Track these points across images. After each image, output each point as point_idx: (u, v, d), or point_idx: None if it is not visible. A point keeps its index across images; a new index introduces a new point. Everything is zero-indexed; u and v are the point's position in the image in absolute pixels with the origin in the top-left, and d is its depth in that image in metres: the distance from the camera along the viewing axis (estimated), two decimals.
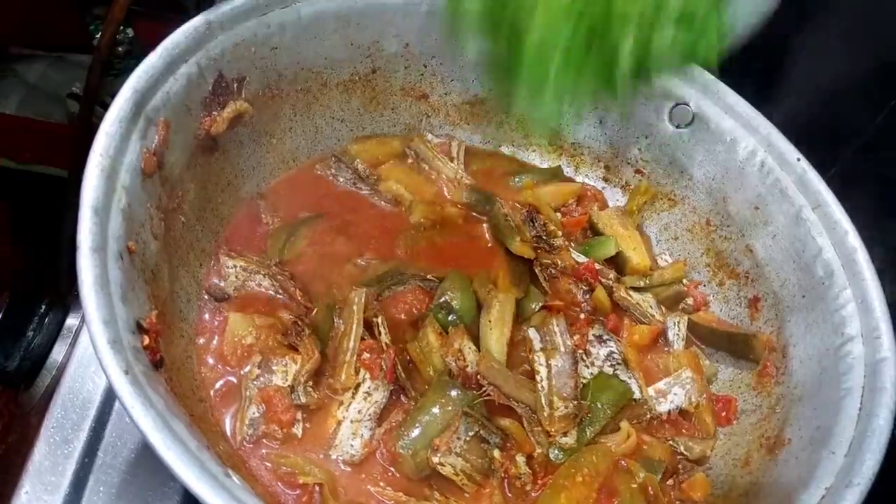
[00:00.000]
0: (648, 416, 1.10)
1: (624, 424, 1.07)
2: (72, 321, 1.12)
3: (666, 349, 1.21)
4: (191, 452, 0.72)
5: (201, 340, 1.04)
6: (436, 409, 1.00)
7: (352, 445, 0.98)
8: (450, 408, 1.00)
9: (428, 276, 1.16)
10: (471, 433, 0.99)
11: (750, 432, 1.09)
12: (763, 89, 1.31)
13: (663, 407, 1.11)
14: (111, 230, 0.84)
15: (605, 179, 1.41)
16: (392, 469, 0.98)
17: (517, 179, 1.37)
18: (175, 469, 0.70)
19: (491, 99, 1.38)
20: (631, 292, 1.23)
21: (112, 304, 0.78)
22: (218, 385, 1.00)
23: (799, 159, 1.16)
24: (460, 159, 1.37)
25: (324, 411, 1.01)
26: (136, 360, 0.77)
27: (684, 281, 1.29)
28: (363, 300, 1.06)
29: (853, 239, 1.07)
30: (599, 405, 1.06)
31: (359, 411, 1.00)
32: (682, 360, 1.17)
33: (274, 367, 1.01)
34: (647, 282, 1.26)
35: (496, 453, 1.00)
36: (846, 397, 0.95)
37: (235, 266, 1.11)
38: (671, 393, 1.12)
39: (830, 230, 1.10)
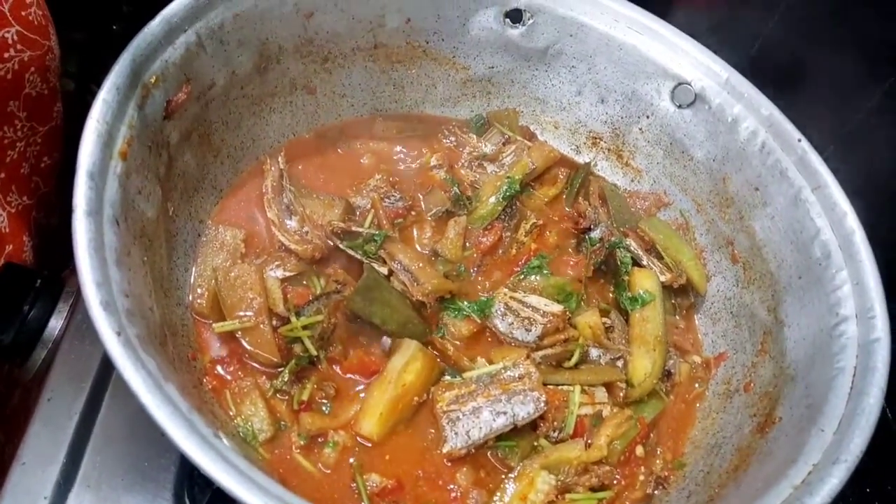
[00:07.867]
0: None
1: None
2: (67, 295, 1.12)
3: None
4: (181, 413, 0.73)
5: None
6: None
7: None
8: None
9: None
10: None
11: (741, 411, 1.09)
12: (765, 70, 1.30)
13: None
14: (107, 196, 0.85)
15: (606, 159, 1.41)
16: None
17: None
18: (165, 427, 0.71)
19: (493, 76, 1.38)
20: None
21: (106, 267, 0.79)
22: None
23: (800, 140, 1.15)
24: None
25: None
26: (128, 323, 0.77)
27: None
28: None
29: (851, 220, 1.07)
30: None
31: None
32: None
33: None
34: None
35: None
36: (838, 376, 0.95)
37: None
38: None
39: (829, 211, 1.09)
